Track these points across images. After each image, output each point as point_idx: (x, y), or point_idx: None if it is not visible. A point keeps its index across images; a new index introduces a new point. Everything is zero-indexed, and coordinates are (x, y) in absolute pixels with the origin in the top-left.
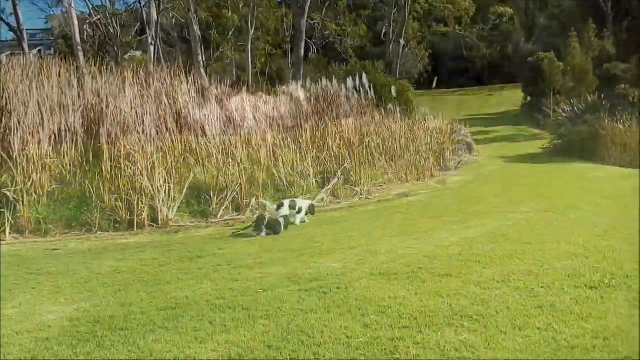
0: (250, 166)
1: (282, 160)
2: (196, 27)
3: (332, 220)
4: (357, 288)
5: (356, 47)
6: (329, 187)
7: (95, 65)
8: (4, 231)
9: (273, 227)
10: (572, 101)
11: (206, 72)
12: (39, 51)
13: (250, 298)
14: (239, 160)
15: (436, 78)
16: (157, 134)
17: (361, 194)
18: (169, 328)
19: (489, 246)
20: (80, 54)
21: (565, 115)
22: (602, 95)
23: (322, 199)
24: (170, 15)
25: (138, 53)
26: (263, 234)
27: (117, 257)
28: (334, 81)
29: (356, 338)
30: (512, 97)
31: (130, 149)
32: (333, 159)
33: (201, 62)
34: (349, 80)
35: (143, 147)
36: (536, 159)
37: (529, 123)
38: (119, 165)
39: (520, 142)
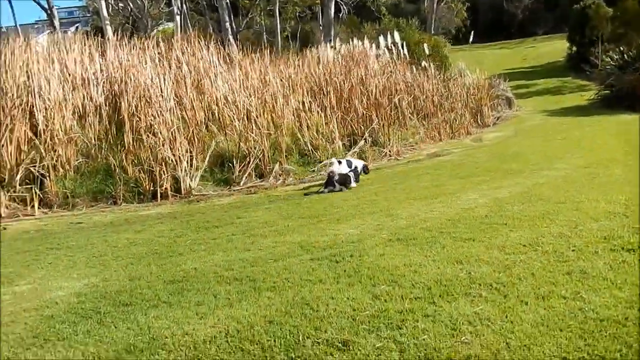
0: (273, 131)
1: (307, 124)
2: None
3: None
4: (371, 256)
5: (390, 5)
6: (355, 149)
7: (121, 39)
8: (33, 206)
9: (344, 183)
10: (621, 49)
11: (236, 38)
12: (77, 28)
13: (259, 269)
14: (260, 126)
15: (472, 32)
16: (179, 103)
17: (390, 155)
18: (172, 303)
19: (519, 207)
20: (109, 28)
21: (613, 63)
22: None
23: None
24: None
25: (170, 25)
26: (336, 189)
27: (136, 229)
28: (365, 41)
29: (362, 311)
30: (557, 48)
31: (152, 119)
32: (360, 120)
33: (229, 30)
34: (381, 39)
35: (164, 117)
36: (581, 112)
37: (575, 74)
38: (140, 137)
39: (565, 94)
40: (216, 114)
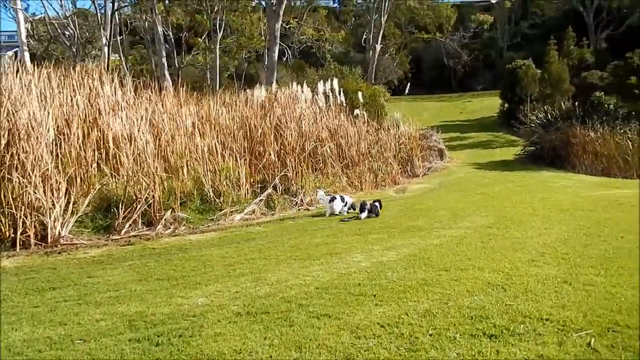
0: (172, 175)
1: (215, 168)
2: (160, 28)
3: (247, 236)
4: (204, 337)
5: (340, 53)
6: (262, 197)
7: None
8: None
9: (375, 211)
10: (545, 108)
11: (178, 74)
12: (15, 53)
13: (55, 353)
14: (153, 169)
15: (408, 84)
16: (64, 140)
17: (301, 205)
18: None
19: (400, 273)
20: (26, 53)
21: (538, 122)
22: (576, 103)
23: (254, 211)
24: (143, 17)
25: (115, 56)
26: (364, 215)
27: None
28: (304, 85)
29: None
30: (491, 104)
31: (25, 156)
32: (272, 166)
33: (165, 65)
34: (320, 84)
35: (39, 155)
36: (507, 167)
37: (505, 129)
38: (10, 176)
39: (495, 148)
40: (110, 154)
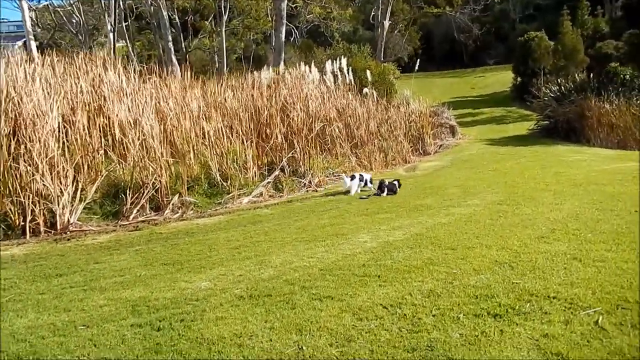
0: (175, 160)
1: (221, 151)
2: (165, 12)
3: (254, 219)
4: (206, 320)
5: (348, 32)
6: (269, 179)
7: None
8: None
9: (392, 189)
10: (559, 81)
11: (186, 59)
12: (24, 42)
13: (58, 339)
14: (159, 154)
15: (418, 61)
16: (70, 127)
17: (309, 186)
18: None
19: (405, 253)
20: (33, 42)
21: (551, 95)
22: (591, 75)
23: (261, 193)
24: (148, 2)
25: (121, 43)
26: (384, 194)
27: None
28: (312, 65)
29: None
30: (504, 78)
31: (31, 145)
32: (280, 148)
33: (172, 49)
34: (328, 64)
35: (45, 143)
36: (520, 142)
37: (519, 104)
38: (17, 165)
39: (508, 123)
40: (117, 140)
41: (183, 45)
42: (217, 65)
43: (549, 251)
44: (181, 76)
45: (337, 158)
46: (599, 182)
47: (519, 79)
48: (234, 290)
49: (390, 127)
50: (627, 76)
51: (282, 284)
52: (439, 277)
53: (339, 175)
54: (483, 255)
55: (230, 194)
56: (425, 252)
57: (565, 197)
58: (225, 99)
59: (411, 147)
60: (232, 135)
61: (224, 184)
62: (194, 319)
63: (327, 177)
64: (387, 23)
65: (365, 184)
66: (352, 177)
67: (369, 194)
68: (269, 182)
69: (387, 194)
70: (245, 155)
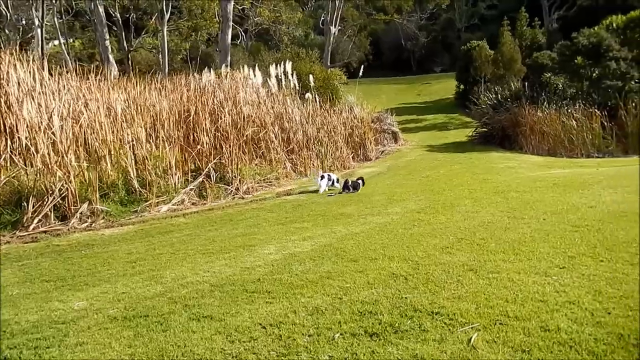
0: (90, 165)
1: (142, 155)
2: (101, 9)
3: (166, 229)
4: (63, 347)
5: (299, 36)
6: (191, 186)
7: None
8: None
9: (355, 187)
10: (496, 89)
11: (128, 58)
12: None
13: None
14: (68, 159)
15: (362, 67)
16: None
17: (236, 193)
18: None
19: (307, 266)
20: None
21: (489, 103)
22: (526, 83)
23: (183, 201)
24: None
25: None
26: (350, 192)
27: None
28: (256, 69)
29: None
30: (449, 86)
31: None
32: (207, 153)
33: (108, 48)
34: (272, 68)
35: None
36: (459, 148)
37: (461, 111)
38: None
39: (450, 130)
40: (22, 144)
41: (125, 44)
42: (160, 65)
43: (449, 262)
44: (111, 76)
45: (271, 163)
46: (520, 189)
47: (461, 86)
48: (110, 310)
49: (331, 133)
50: (560, 86)
51: (165, 303)
52: (330, 292)
53: (269, 182)
54: (382, 267)
55: (148, 202)
56: (326, 265)
57: (483, 204)
58: (154, 101)
59: (352, 153)
60: (156, 139)
61: (142, 191)
62: (50, 346)
63: (258, 183)
64: (334, 28)
65: (333, 183)
66: (322, 177)
67: (336, 192)
68: (191, 189)
69: (352, 192)
70: (169, 161)
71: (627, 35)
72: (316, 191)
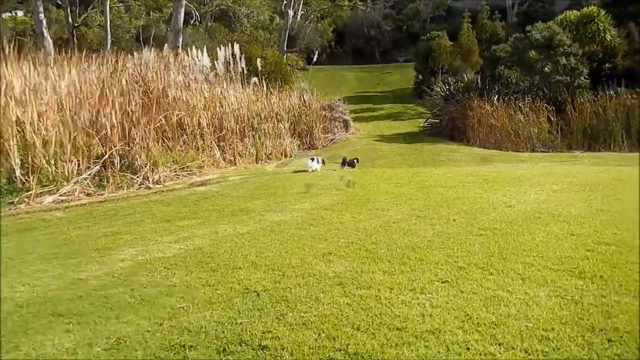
0: None
1: (32, 140)
2: None
3: (31, 226)
4: None
5: (264, 19)
6: (86, 175)
7: None
8: None
9: (351, 164)
10: (449, 80)
11: (73, 35)
12: None
13: None
14: None
15: (317, 53)
16: None
17: (142, 183)
18: None
19: (153, 278)
20: None
21: (441, 94)
22: (478, 76)
23: (75, 191)
24: None
25: (20, 13)
26: (345, 167)
27: None
28: (201, 50)
29: None
30: (409, 76)
31: None
32: (116, 139)
33: (43, 22)
34: (219, 50)
35: None
36: (408, 139)
37: (418, 101)
38: None
39: (404, 120)
40: None
41: (70, 19)
42: (105, 44)
43: (319, 274)
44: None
45: (198, 150)
46: (448, 184)
47: (420, 76)
48: None
49: (273, 120)
50: (513, 79)
51: None
52: (155, 314)
53: (189, 170)
54: (240, 280)
55: (29, 192)
56: (176, 276)
57: (399, 201)
58: (62, 82)
59: (298, 141)
60: (53, 122)
61: (26, 179)
62: None
63: (175, 172)
64: (291, 12)
65: (323, 163)
66: (312, 159)
67: (326, 169)
68: (85, 179)
69: (347, 167)
70: (64, 146)
71: (580, 31)
72: (314, 170)
